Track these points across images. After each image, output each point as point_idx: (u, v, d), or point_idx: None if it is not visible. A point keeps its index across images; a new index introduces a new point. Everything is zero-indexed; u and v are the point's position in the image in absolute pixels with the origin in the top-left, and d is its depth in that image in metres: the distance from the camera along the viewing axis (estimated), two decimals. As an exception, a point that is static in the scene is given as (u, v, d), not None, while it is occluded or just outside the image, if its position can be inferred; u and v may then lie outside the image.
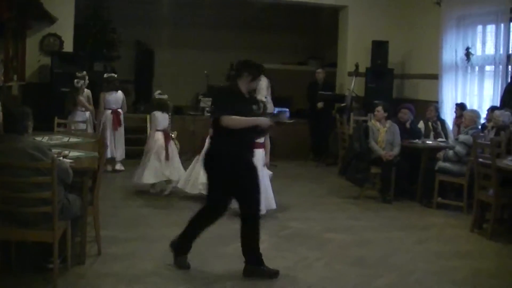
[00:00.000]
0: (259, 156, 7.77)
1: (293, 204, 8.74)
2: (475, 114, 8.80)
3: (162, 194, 9.01)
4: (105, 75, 11.19)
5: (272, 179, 8.16)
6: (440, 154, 8.88)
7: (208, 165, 5.71)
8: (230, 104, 5.53)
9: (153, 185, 9.08)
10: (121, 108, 10.96)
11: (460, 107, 10.36)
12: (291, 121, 13.02)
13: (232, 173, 5.56)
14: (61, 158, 5.57)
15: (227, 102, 5.61)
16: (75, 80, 10.62)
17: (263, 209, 7.73)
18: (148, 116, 12.44)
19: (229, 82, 6.60)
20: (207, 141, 6.51)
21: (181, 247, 5.84)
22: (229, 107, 5.49)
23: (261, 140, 7.80)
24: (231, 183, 5.62)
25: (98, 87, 11.33)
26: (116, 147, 10.77)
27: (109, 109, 10.79)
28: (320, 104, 12.80)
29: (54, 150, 5.63)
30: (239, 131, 5.53)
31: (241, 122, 5.52)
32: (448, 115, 11.35)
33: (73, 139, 7.61)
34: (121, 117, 10.93)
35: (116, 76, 11.16)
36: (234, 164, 5.56)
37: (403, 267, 6.09)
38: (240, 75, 5.79)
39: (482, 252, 6.78)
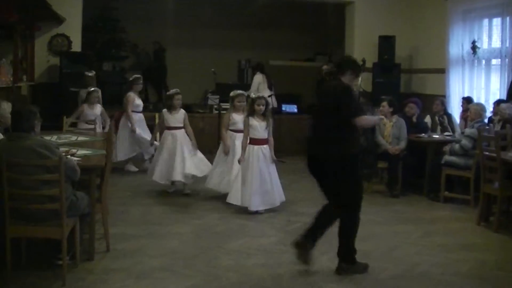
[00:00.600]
0: (265, 152, 7.86)
1: (301, 199, 8.79)
2: (481, 107, 8.81)
3: (184, 192, 8.97)
4: (133, 77, 10.94)
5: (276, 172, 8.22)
6: (446, 148, 8.92)
7: (332, 168, 5.57)
8: (357, 104, 5.41)
9: (172, 183, 9.06)
10: None
11: (467, 101, 10.38)
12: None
13: (352, 173, 5.55)
14: (68, 156, 5.66)
15: (355, 101, 5.52)
16: (83, 90, 10.68)
17: (276, 203, 7.86)
18: (157, 115, 12.58)
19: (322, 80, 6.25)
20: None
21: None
22: (358, 107, 5.42)
23: (264, 136, 7.88)
24: (347, 183, 5.58)
25: (107, 86, 11.42)
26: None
27: (139, 112, 10.84)
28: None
29: (62, 149, 5.72)
30: (356, 131, 5.52)
31: (370, 122, 5.62)
32: (455, 109, 11.37)
33: (81, 138, 7.71)
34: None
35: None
36: (354, 164, 5.56)
37: (408, 260, 6.14)
38: (343, 72, 5.58)
39: (488, 245, 6.81)
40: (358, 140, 5.60)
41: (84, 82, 10.80)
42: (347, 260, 5.67)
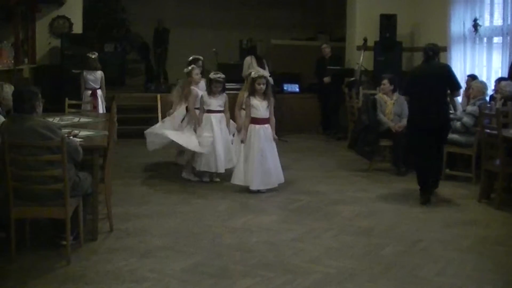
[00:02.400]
0: (267, 132, 7.88)
1: (302, 178, 8.85)
2: (482, 85, 8.80)
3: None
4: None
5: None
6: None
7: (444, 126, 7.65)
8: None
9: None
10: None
11: (472, 78, 10.38)
12: None
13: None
14: (71, 137, 5.69)
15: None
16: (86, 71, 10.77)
17: (275, 183, 7.89)
18: (158, 96, 12.60)
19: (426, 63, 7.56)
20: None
21: None
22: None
23: (266, 115, 7.89)
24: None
25: (109, 67, 11.44)
26: None
27: None
28: (327, 79, 12.89)
29: (64, 130, 5.76)
30: None
31: None
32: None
33: (83, 119, 7.74)
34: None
35: None
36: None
37: (410, 236, 6.18)
38: (438, 55, 7.70)
39: (489, 221, 6.84)
40: None
41: (86, 63, 10.81)
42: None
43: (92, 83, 10.82)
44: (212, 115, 8.43)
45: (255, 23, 16.61)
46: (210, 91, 8.44)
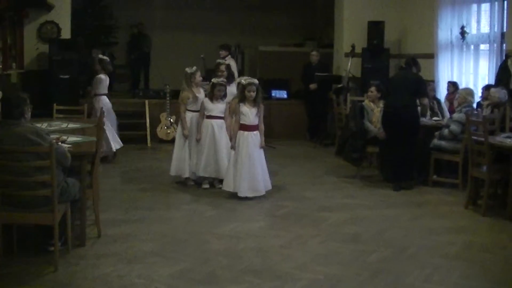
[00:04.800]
0: (255, 138, 7.89)
1: (290, 184, 8.88)
2: (467, 91, 8.82)
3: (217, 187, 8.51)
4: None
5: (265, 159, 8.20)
6: (436, 133, 8.97)
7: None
8: None
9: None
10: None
11: (453, 84, 10.60)
12: None
13: None
14: (59, 143, 5.69)
15: None
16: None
17: (262, 191, 7.89)
18: (147, 102, 12.61)
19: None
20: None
21: None
22: None
23: (255, 122, 7.91)
24: None
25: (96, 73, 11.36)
26: None
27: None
28: (313, 86, 12.93)
29: (53, 136, 5.75)
30: None
31: None
32: (444, 94, 11.39)
33: (71, 125, 7.73)
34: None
35: None
36: None
37: (397, 242, 6.21)
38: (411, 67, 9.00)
39: (476, 227, 6.89)
40: None
41: (105, 67, 10.23)
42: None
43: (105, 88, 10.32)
44: (214, 121, 8.41)
45: (242, 28, 16.63)
46: (212, 96, 8.39)
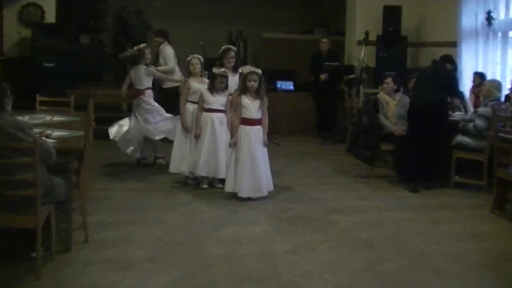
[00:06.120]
0: (258, 134, 7.90)
1: (296, 185, 8.90)
2: (494, 84, 8.81)
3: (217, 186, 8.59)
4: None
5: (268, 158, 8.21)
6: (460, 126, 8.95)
7: None
8: None
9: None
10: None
11: (480, 76, 10.51)
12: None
13: None
14: (43, 138, 5.69)
15: None
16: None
17: (264, 191, 7.90)
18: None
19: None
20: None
21: None
22: None
23: (258, 116, 7.93)
24: None
25: (85, 61, 11.40)
26: None
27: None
28: (323, 76, 12.94)
29: (36, 130, 5.75)
30: None
31: None
32: (468, 87, 11.34)
33: (56, 118, 7.74)
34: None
35: None
36: None
37: (413, 249, 6.22)
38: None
39: (501, 234, 6.88)
40: None
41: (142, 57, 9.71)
42: None
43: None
44: (214, 115, 8.42)
45: (246, 14, 16.64)
46: (213, 88, 8.40)
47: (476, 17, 11.50)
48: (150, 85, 9.63)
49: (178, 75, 11.07)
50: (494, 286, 5.38)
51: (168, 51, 11.26)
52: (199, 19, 16.48)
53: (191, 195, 8.18)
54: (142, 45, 9.69)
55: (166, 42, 11.38)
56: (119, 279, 5.24)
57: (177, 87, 10.06)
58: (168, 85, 10.95)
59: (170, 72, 11.03)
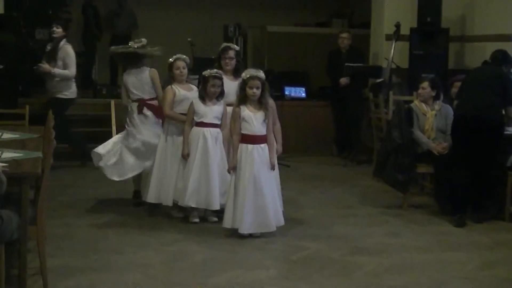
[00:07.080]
0: (263, 154, 7.86)
1: (311, 217, 8.91)
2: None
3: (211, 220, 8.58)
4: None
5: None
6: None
7: None
8: None
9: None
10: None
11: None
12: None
13: None
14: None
15: None
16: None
17: (273, 226, 7.87)
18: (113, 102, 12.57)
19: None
20: None
21: None
22: None
23: (262, 131, 7.89)
24: None
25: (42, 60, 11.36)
26: None
27: None
28: (344, 80, 12.94)
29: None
30: None
31: None
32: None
33: (7, 135, 7.73)
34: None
35: None
36: None
37: (461, 300, 6.21)
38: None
39: None
40: None
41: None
42: None
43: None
44: (206, 130, 8.38)
45: (245, 2, 16.68)
46: (205, 95, 8.34)
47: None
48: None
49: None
50: None
51: (70, 50, 11.21)
52: (188, 9, 16.52)
53: (177, 231, 8.15)
54: (143, 39, 9.48)
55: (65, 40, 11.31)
56: None
57: None
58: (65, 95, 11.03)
59: (70, 79, 11.05)
